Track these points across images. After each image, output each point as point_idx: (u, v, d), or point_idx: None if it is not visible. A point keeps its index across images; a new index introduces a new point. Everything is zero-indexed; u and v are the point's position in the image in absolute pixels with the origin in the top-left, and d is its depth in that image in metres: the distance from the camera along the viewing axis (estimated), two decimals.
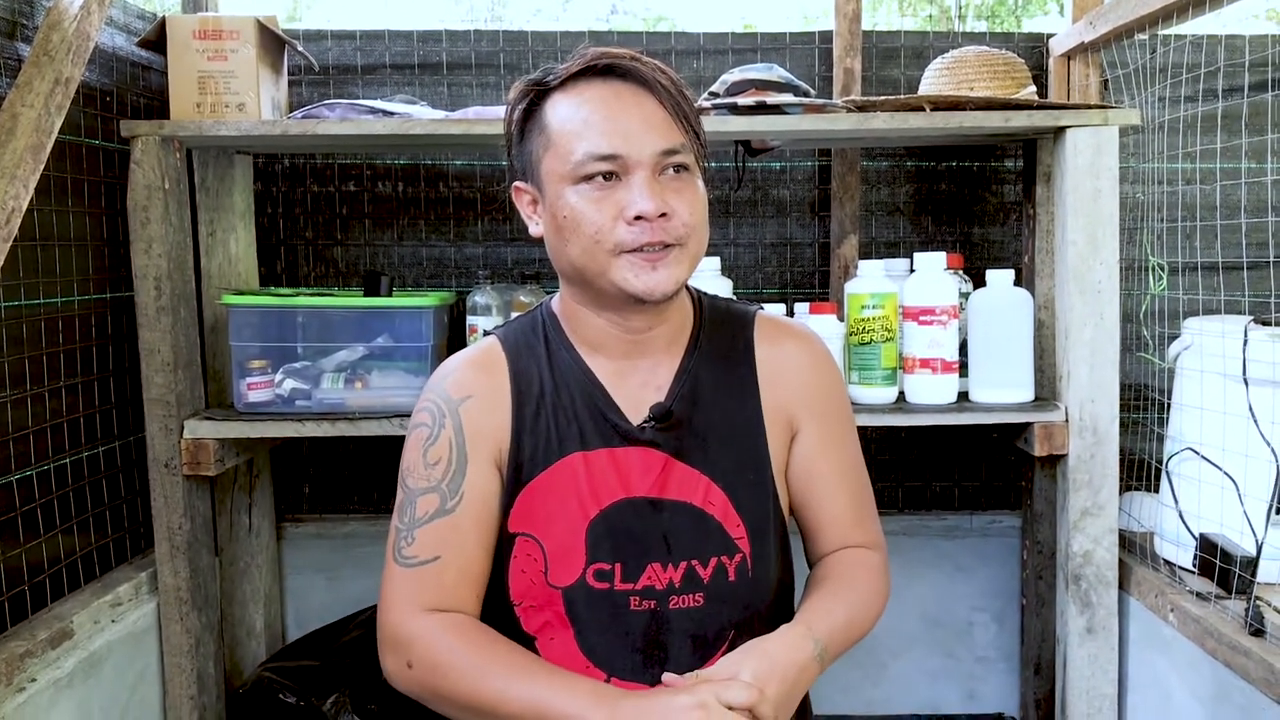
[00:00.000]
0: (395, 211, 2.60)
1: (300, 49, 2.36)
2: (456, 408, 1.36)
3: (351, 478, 2.67)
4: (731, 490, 1.36)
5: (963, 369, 2.18)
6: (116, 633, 2.02)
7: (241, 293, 2.26)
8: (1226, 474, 1.93)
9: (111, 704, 1.99)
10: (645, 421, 1.35)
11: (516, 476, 1.35)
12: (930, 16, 9.05)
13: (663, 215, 1.25)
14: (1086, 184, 2.07)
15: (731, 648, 1.29)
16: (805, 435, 1.43)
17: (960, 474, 2.67)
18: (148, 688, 2.12)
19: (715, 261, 2.18)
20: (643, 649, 1.33)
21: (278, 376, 2.16)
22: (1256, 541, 1.86)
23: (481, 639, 1.29)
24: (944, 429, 2.60)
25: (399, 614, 1.30)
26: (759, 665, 1.22)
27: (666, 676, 1.26)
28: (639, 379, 1.38)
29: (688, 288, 1.45)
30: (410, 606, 1.30)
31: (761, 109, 2.10)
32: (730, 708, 1.16)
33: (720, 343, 1.42)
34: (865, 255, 2.57)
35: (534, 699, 1.20)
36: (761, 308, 1.50)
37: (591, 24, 10.49)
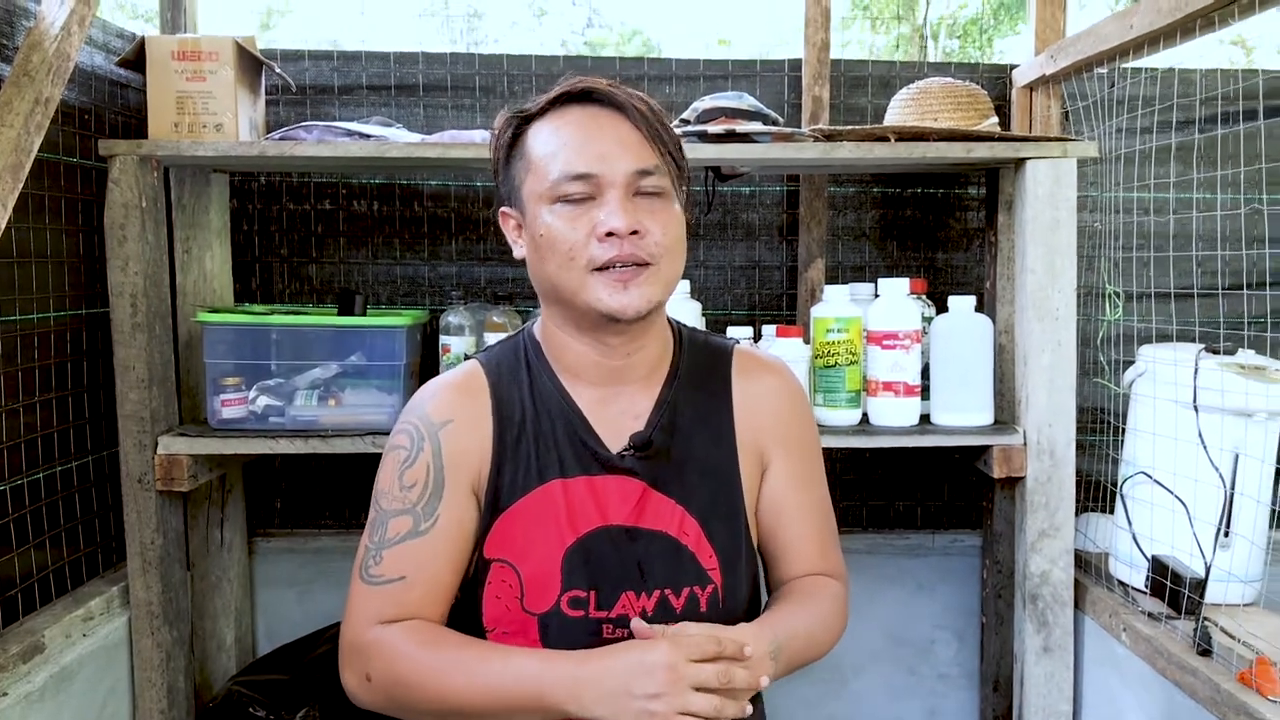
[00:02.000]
0: (370, 230, 2.63)
1: (278, 70, 2.39)
2: (437, 431, 1.37)
3: (323, 494, 2.69)
4: (705, 521, 1.38)
5: (925, 392, 2.23)
6: (88, 647, 2.04)
7: (216, 310, 2.28)
8: (1178, 498, 1.99)
9: (82, 718, 2.00)
10: (625, 450, 1.37)
11: (495, 502, 1.36)
12: (901, 36, 9.17)
13: (635, 233, 1.28)
14: (1045, 213, 2.13)
15: None
16: (775, 468, 1.46)
17: (923, 494, 2.72)
18: (118, 702, 2.14)
19: (685, 284, 2.23)
20: None
21: (251, 393, 2.19)
22: (1205, 564, 1.92)
23: (436, 638, 1.30)
24: (907, 450, 2.65)
25: (358, 627, 1.32)
26: (727, 631, 1.26)
27: (635, 624, 1.28)
28: (619, 407, 1.40)
29: (669, 320, 1.47)
30: (370, 621, 1.32)
31: (731, 137, 2.15)
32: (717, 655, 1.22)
33: (698, 374, 1.45)
34: (832, 279, 2.63)
35: (497, 692, 1.23)
36: (738, 341, 1.54)
37: (568, 36, 10.54)
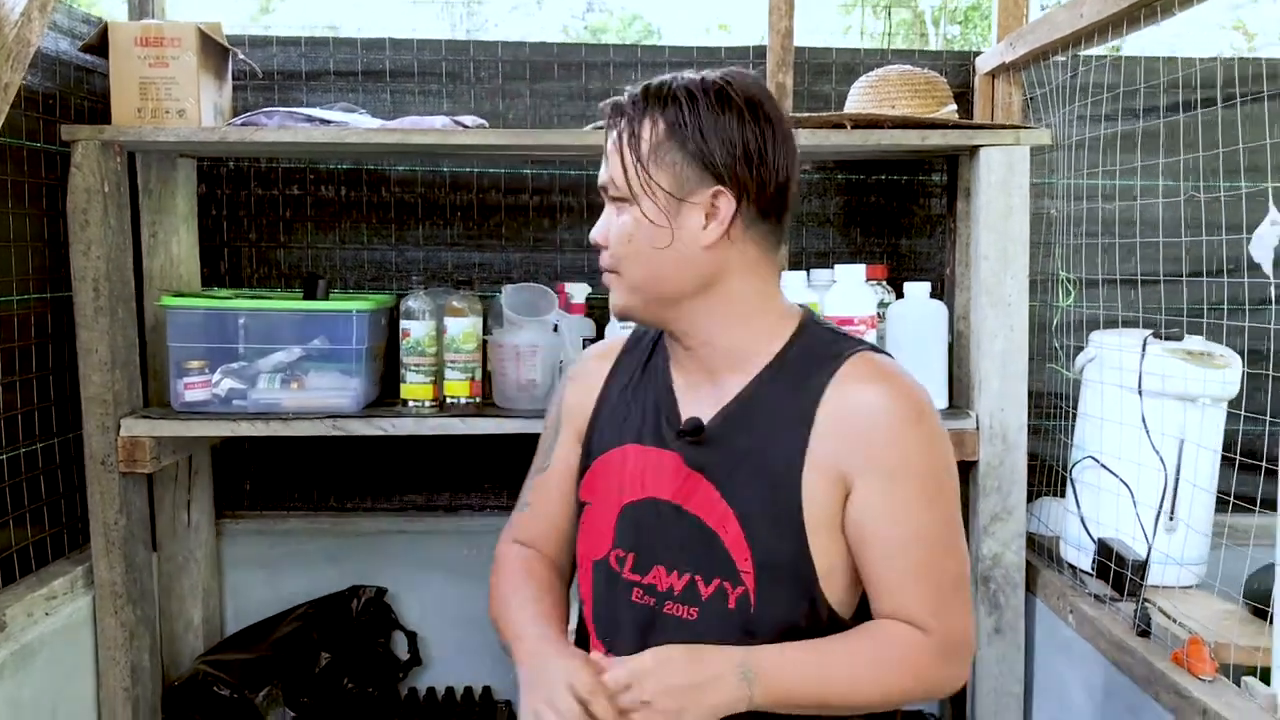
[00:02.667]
0: (338, 215, 2.65)
1: (243, 56, 2.41)
2: (565, 385, 1.58)
3: (292, 476, 2.72)
4: (747, 522, 1.33)
5: None
6: (50, 626, 2.07)
7: (181, 294, 2.31)
8: (1123, 481, 2.02)
9: (43, 695, 2.04)
10: (679, 431, 1.39)
11: (589, 450, 1.49)
12: (903, 21, 9.12)
13: (602, 245, 1.38)
14: (999, 201, 2.16)
15: None
16: (860, 494, 1.31)
17: None
18: (82, 680, 2.17)
19: None
20: (638, 640, 1.36)
21: (215, 376, 2.21)
22: (1148, 546, 1.94)
23: (521, 570, 1.52)
24: None
25: (502, 540, 1.58)
26: (646, 662, 1.25)
27: (594, 656, 1.33)
28: (706, 392, 1.40)
29: (799, 309, 1.43)
30: (508, 537, 1.58)
31: None
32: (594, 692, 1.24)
33: (798, 374, 1.36)
34: (796, 265, 2.65)
35: (508, 633, 1.43)
36: (870, 348, 1.40)
37: (568, 20, 10.48)
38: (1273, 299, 1.59)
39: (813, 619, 1.33)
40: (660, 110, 1.31)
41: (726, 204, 1.30)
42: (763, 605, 1.32)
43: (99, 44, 2.21)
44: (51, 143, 2.18)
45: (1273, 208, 1.52)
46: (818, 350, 1.37)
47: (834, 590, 1.33)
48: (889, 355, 1.42)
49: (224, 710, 2.31)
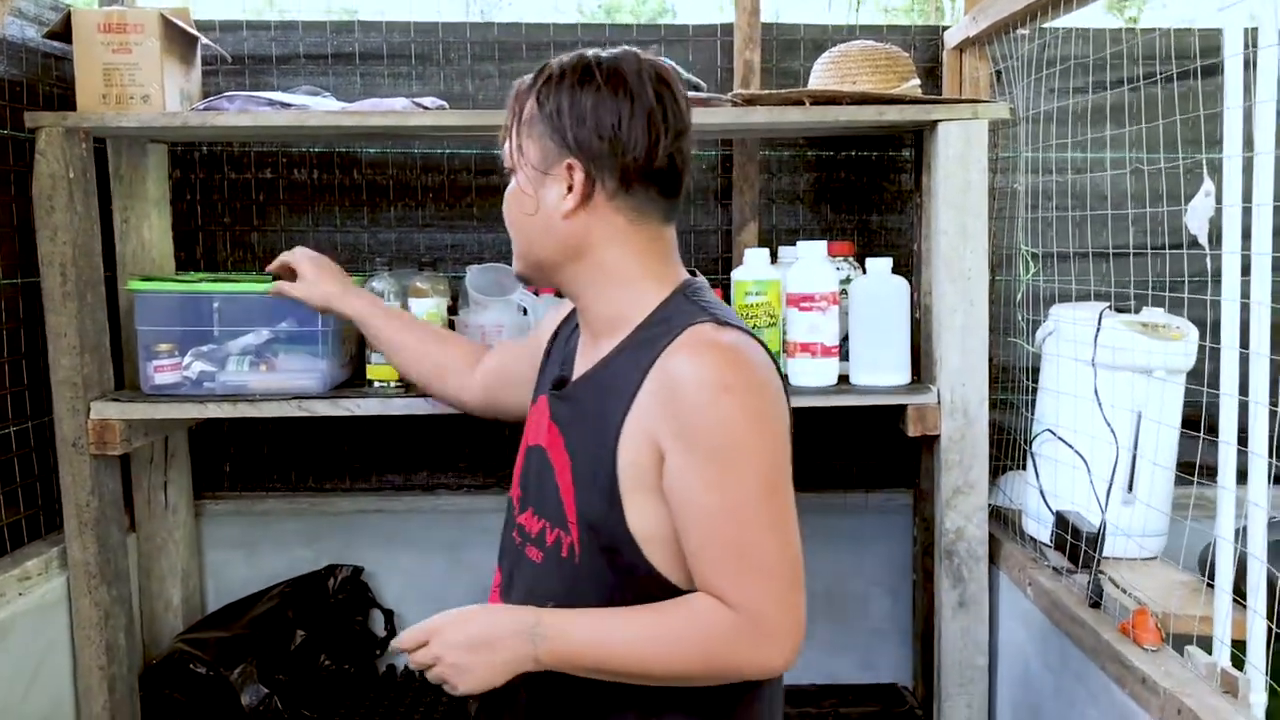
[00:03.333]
0: (310, 198, 2.68)
1: (208, 41, 2.42)
2: (544, 313, 1.89)
3: (271, 457, 2.75)
4: (575, 477, 1.41)
5: (846, 355, 2.27)
6: (23, 605, 2.10)
7: (150, 278, 2.33)
8: (1079, 454, 2.03)
9: (18, 673, 2.08)
10: (552, 385, 1.52)
11: (532, 398, 1.59)
12: None
13: None
14: (957, 175, 2.16)
15: None
16: (669, 460, 1.31)
17: (859, 454, 2.76)
18: (57, 658, 2.21)
19: None
20: (509, 576, 1.52)
21: (186, 359, 2.23)
22: (1102, 519, 1.96)
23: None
24: (840, 411, 2.69)
25: None
26: (439, 620, 1.36)
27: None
28: (591, 354, 1.47)
29: (675, 284, 1.43)
30: None
31: None
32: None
33: (646, 342, 1.37)
34: (766, 243, 2.65)
35: None
36: (718, 321, 1.36)
37: (582, 0, 10.41)
38: (1208, 271, 1.58)
39: (635, 583, 1.35)
40: (536, 88, 1.40)
41: (579, 176, 1.37)
42: (585, 558, 1.37)
43: (63, 30, 2.22)
44: (18, 129, 2.21)
45: (1206, 179, 1.52)
46: (672, 320, 1.37)
47: (662, 557, 1.34)
48: (740, 328, 1.37)
49: (200, 688, 2.35)
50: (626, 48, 1.41)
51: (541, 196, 1.40)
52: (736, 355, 1.31)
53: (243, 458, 2.75)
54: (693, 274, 1.48)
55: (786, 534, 1.30)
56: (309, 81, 2.61)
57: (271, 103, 2.21)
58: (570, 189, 1.38)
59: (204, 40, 2.40)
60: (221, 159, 2.66)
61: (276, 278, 2.06)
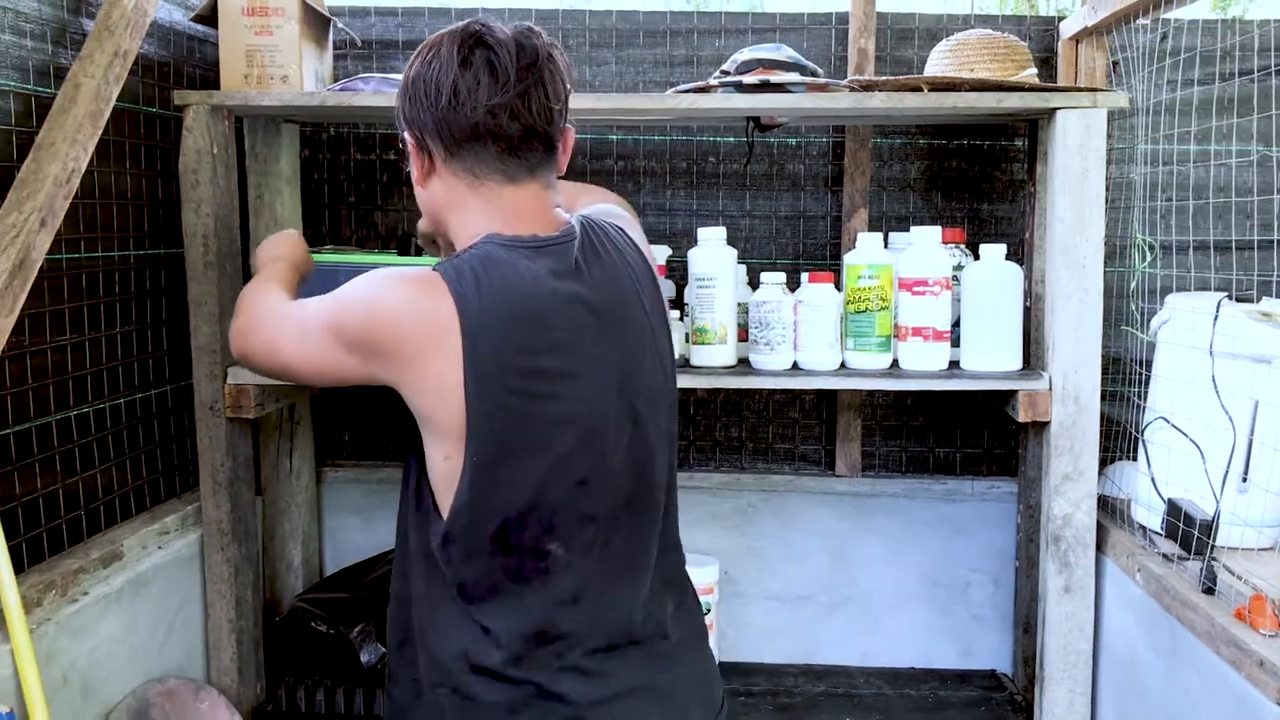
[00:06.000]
0: None
1: (342, 25, 2.53)
2: None
3: (388, 428, 2.85)
4: None
5: (957, 340, 2.29)
6: (163, 558, 2.22)
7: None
8: (1193, 442, 2.03)
9: (158, 620, 2.19)
10: None
11: None
12: None
13: None
14: (1075, 164, 2.17)
15: None
16: None
17: (962, 441, 2.78)
18: (191, 609, 2.33)
19: (721, 231, 2.30)
20: None
21: None
22: (1216, 506, 1.96)
23: None
24: (946, 396, 2.72)
25: None
26: None
27: None
28: None
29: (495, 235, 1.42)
30: None
31: (766, 87, 2.22)
32: None
33: None
34: (876, 229, 2.68)
35: None
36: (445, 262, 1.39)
37: None
38: None
39: None
40: None
41: (412, 144, 1.41)
42: None
43: (210, 14, 2.34)
44: (164, 108, 2.33)
45: None
46: None
47: None
48: (451, 266, 1.34)
49: (320, 645, 2.45)
50: (522, 24, 1.40)
51: (413, 169, 1.44)
52: (393, 274, 1.37)
53: (361, 428, 2.86)
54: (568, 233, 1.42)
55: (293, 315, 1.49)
56: None
57: None
58: (414, 158, 1.42)
59: (339, 24, 2.50)
60: (349, 140, 2.77)
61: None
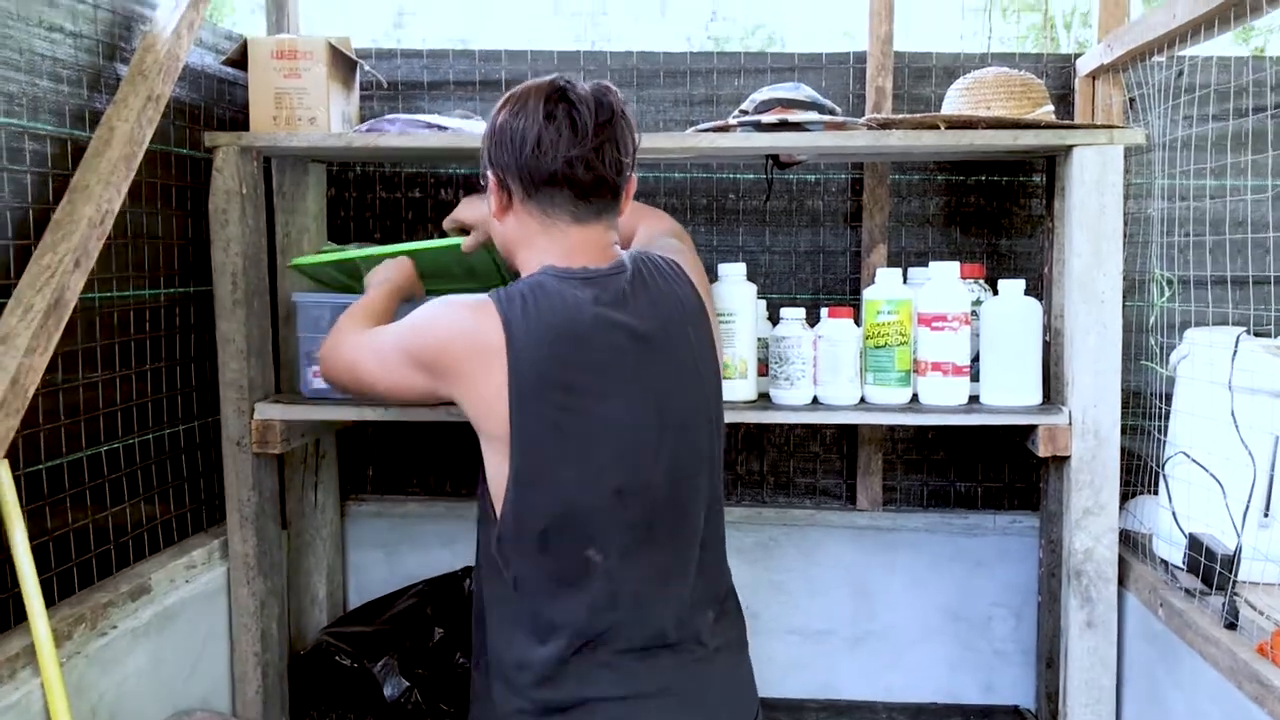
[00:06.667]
0: None
1: (368, 68, 2.58)
2: None
3: (411, 462, 2.88)
4: None
5: (976, 375, 2.30)
6: (190, 592, 2.25)
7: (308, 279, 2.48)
8: (1214, 476, 2.03)
9: (184, 654, 2.22)
10: None
11: None
12: (1033, 26, 8.90)
13: None
14: (1092, 199, 2.19)
15: None
16: None
17: (983, 475, 2.79)
18: (217, 643, 2.35)
19: (741, 267, 2.33)
20: None
21: None
22: (1238, 541, 1.96)
23: None
24: (967, 431, 2.73)
25: None
26: None
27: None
28: None
29: (552, 266, 1.61)
30: None
31: (784, 126, 2.25)
32: None
33: None
34: (895, 264, 2.70)
35: None
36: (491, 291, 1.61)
37: (692, 30, 10.54)
38: None
39: None
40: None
41: (493, 182, 1.59)
42: None
43: (240, 58, 2.39)
44: (194, 149, 2.38)
45: None
46: None
47: None
48: (504, 292, 1.53)
49: (345, 678, 2.47)
50: (600, 83, 1.57)
51: (490, 204, 1.62)
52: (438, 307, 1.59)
53: (385, 462, 2.89)
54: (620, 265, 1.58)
55: (378, 349, 1.65)
56: (458, 107, 2.75)
57: (429, 126, 2.34)
58: (494, 195, 1.60)
59: (366, 66, 2.55)
60: (374, 179, 2.82)
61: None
